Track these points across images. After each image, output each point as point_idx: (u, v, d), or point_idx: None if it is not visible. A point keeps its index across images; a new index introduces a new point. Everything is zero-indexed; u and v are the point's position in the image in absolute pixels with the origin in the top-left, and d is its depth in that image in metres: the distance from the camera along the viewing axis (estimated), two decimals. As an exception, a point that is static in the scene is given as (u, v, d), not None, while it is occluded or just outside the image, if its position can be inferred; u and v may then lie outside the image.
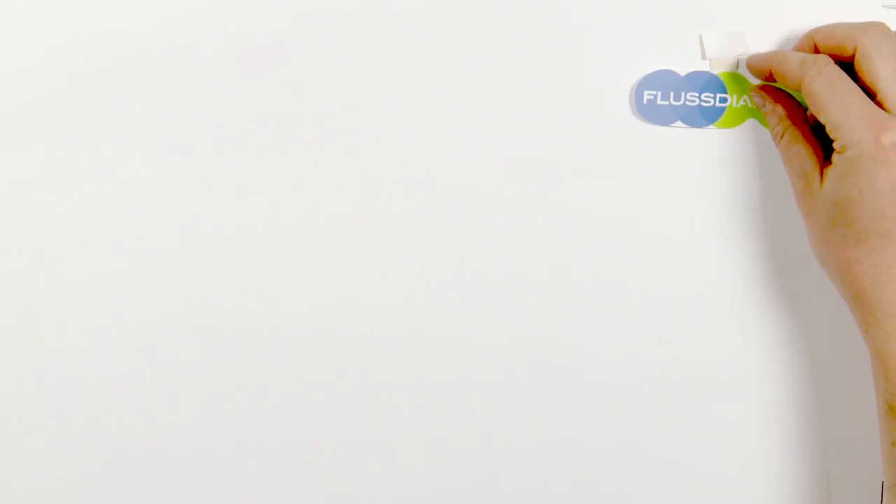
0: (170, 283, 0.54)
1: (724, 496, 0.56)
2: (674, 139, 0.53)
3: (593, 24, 0.52)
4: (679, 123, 0.53)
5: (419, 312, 0.54)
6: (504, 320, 0.54)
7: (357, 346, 0.54)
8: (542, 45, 0.52)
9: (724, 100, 0.53)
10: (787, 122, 0.50)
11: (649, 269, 0.54)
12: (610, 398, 0.55)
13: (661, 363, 0.55)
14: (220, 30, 0.52)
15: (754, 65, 0.51)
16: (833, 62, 0.48)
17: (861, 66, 0.47)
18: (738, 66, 0.52)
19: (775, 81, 0.51)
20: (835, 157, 0.47)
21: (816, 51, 0.50)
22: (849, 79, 0.47)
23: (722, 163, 0.53)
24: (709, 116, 0.53)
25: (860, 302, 0.47)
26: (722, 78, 0.52)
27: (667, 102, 0.52)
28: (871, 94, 0.47)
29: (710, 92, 0.53)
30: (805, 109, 0.51)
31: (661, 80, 0.52)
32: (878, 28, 0.48)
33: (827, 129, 0.47)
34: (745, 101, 0.53)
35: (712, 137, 0.53)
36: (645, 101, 0.52)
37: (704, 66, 0.52)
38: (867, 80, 0.47)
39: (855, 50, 0.48)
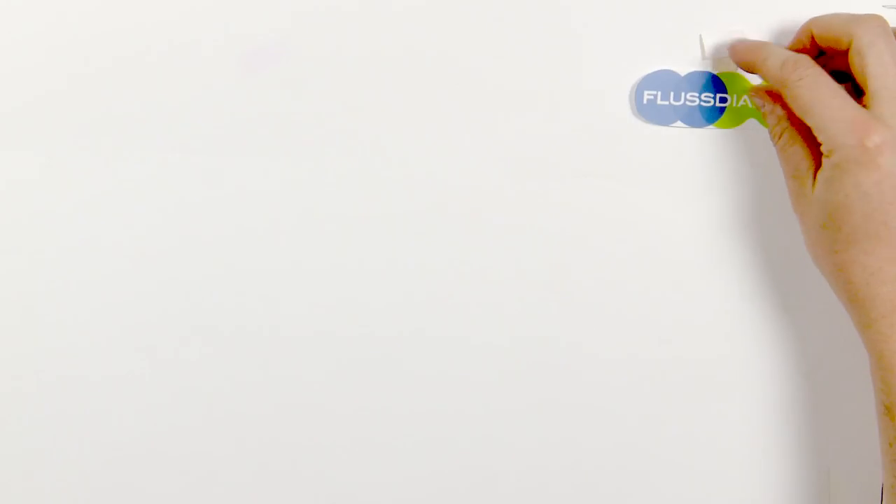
0: (170, 284, 0.54)
1: (724, 496, 0.56)
2: (674, 139, 0.53)
3: (593, 25, 0.52)
4: (679, 123, 0.53)
5: (419, 312, 0.54)
6: (504, 320, 0.54)
7: (357, 346, 0.54)
8: (542, 45, 0.52)
9: (724, 100, 0.53)
10: (786, 123, 0.49)
11: (649, 270, 0.54)
12: (610, 398, 0.55)
13: (661, 363, 0.55)
14: (220, 30, 0.52)
15: (737, 55, 0.50)
16: (814, 63, 0.47)
17: (853, 60, 0.47)
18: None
19: None
20: (823, 160, 0.47)
21: (813, 42, 0.49)
22: (831, 80, 0.47)
23: (722, 163, 0.53)
24: (709, 116, 0.53)
25: (855, 303, 0.47)
26: (722, 78, 0.52)
27: (667, 102, 0.52)
28: (862, 90, 0.47)
29: (710, 92, 0.52)
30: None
31: (661, 80, 0.52)
32: (874, 21, 0.47)
33: (814, 133, 0.47)
34: (744, 101, 0.53)
35: (712, 137, 0.53)
36: (645, 101, 0.52)
37: (704, 66, 0.52)
38: (858, 75, 0.47)
39: (850, 43, 0.47)
